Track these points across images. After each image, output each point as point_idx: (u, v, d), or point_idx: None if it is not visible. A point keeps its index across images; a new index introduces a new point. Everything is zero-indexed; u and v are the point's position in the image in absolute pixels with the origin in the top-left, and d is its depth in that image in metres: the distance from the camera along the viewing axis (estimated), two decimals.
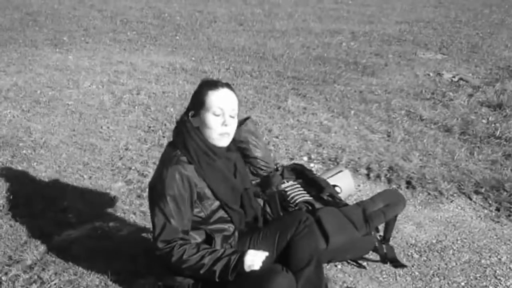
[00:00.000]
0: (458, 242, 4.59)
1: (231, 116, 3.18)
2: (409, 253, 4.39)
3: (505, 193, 5.37)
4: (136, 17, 15.78)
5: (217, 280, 3.05)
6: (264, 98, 8.21)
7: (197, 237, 3.25)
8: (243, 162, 3.53)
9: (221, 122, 3.14)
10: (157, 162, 5.85)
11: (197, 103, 3.18)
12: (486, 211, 5.13)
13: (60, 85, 8.86)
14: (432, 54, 11.86)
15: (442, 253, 4.41)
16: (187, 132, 3.18)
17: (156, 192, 3.12)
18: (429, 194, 5.36)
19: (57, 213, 4.85)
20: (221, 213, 3.31)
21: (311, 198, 4.19)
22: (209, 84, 3.22)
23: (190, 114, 3.22)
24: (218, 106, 3.13)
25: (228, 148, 3.30)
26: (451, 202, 5.25)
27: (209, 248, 3.11)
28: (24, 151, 6.19)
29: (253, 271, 3.03)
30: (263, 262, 3.11)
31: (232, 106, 3.19)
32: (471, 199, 5.31)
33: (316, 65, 10.53)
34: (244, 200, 3.42)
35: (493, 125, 7.27)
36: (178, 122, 3.31)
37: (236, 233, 3.43)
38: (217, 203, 3.27)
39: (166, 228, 3.08)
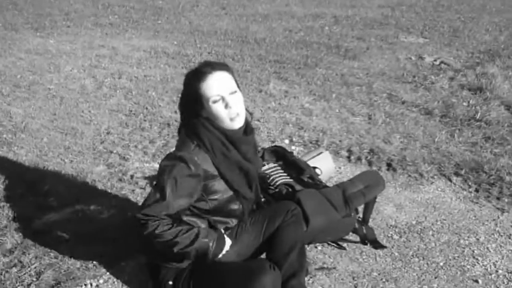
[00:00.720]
0: (438, 223, 4.63)
1: (231, 94, 3.12)
2: (389, 234, 4.43)
3: (484, 174, 5.42)
4: (118, 1, 15.69)
5: (192, 259, 3.09)
6: (246, 81, 8.20)
7: (200, 224, 3.25)
8: (256, 145, 3.50)
9: (223, 106, 3.06)
10: (138, 146, 5.89)
11: (194, 100, 3.11)
12: (465, 192, 5.17)
13: (41, 69, 8.82)
14: (414, 38, 11.89)
15: (421, 234, 4.45)
16: (201, 124, 3.11)
17: (164, 173, 3.07)
18: (409, 176, 5.40)
19: (38, 197, 4.84)
20: (227, 207, 3.29)
21: (291, 180, 4.20)
22: (196, 77, 3.12)
23: (192, 108, 3.15)
24: (215, 94, 3.06)
25: (245, 130, 3.23)
26: (431, 184, 5.28)
27: (184, 227, 3.09)
28: (4, 136, 6.17)
29: (239, 266, 3.13)
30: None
31: (227, 86, 3.08)
32: (451, 181, 5.35)
33: (298, 49, 10.53)
34: (253, 187, 3.42)
35: (473, 108, 7.31)
36: (185, 116, 3.25)
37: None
38: (225, 196, 3.23)
39: (155, 204, 3.03)
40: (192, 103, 3.11)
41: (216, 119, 3.07)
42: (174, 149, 3.19)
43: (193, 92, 3.08)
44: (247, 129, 3.22)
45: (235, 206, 3.31)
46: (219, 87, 3.05)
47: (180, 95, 3.24)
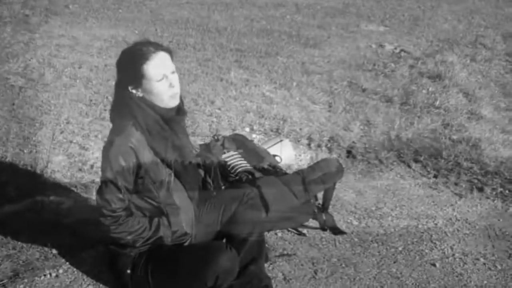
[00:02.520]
0: (397, 209, 4.69)
1: (172, 73, 3.13)
2: (349, 220, 4.47)
3: (442, 160, 5.50)
4: None
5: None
6: (207, 70, 8.18)
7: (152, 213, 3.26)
8: (186, 129, 3.52)
9: (167, 85, 3.08)
10: (99, 135, 5.85)
11: (135, 77, 3.10)
12: (424, 178, 5.24)
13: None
14: (374, 26, 11.97)
15: (381, 219, 4.50)
16: (135, 103, 3.12)
17: (104, 158, 3.11)
18: (369, 163, 5.45)
19: None
20: (171, 192, 3.29)
21: (251, 167, 4.21)
22: (139, 56, 3.12)
23: (130, 88, 3.15)
24: (159, 73, 3.07)
25: (178, 110, 3.25)
26: (391, 170, 5.35)
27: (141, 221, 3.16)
28: None
29: (196, 248, 3.17)
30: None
31: (170, 65, 3.12)
32: (410, 167, 5.42)
33: (259, 38, 10.52)
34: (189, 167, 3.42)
35: (432, 95, 7.41)
36: (118, 97, 3.25)
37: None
38: (167, 179, 3.25)
39: (104, 186, 3.08)
40: (131, 82, 3.11)
41: (156, 97, 3.10)
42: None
43: (135, 71, 3.08)
44: (180, 110, 3.25)
45: (179, 190, 3.33)
46: (163, 67, 3.09)
47: (117, 75, 3.22)
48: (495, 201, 4.92)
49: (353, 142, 5.78)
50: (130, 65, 3.11)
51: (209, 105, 6.71)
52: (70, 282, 3.60)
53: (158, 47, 3.16)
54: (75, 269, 3.72)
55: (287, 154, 4.76)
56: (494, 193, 5.05)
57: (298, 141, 5.82)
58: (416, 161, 5.53)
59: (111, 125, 3.24)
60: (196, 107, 6.54)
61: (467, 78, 8.18)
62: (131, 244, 3.20)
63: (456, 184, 5.14)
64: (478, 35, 11.20)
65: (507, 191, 5.04)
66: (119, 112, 3.19)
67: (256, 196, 3.53)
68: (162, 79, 3.07)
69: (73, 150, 5.56)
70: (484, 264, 3.94)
